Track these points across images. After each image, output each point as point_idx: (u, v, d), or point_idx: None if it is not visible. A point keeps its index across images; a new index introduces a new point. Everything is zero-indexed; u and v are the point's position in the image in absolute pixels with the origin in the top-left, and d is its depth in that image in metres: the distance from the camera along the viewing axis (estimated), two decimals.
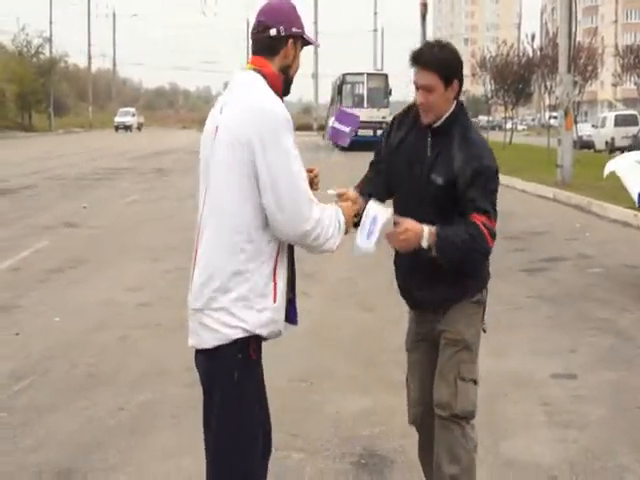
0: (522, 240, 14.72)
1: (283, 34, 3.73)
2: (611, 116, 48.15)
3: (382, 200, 4.35)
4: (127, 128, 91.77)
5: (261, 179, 3.56)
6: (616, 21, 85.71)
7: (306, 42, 3.85)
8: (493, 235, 4.27)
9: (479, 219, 4.20)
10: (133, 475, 5.37)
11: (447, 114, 4.30)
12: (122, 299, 10.08)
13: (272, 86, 3.70)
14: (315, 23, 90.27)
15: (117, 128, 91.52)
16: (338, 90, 51.71)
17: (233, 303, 3.65)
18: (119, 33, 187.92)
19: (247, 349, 3.70)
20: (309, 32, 3.88)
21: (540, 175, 25.57)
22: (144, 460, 5.57)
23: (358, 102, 48.80)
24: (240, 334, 3.66)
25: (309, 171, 3.88)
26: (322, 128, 78.35)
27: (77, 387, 6.98)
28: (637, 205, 11.70)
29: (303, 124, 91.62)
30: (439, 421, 4.43)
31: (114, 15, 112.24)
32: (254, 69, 3.73)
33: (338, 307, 9.82)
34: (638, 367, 7.60)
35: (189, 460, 5.30)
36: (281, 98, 3.72)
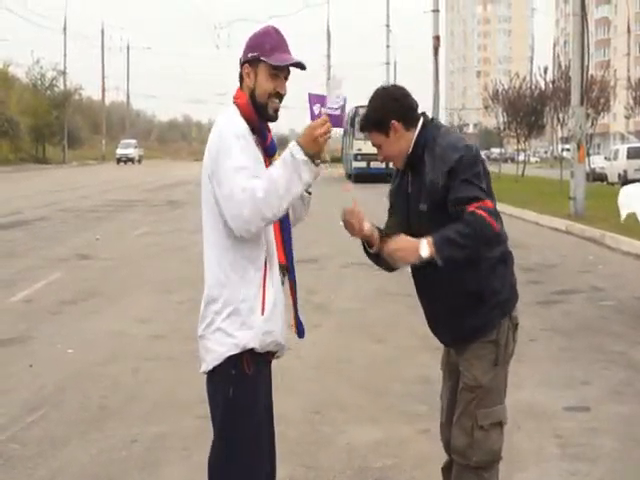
0: (536, 272, 14.70)
1: (241, 62, 3.88)
2: (624, 148, 48.09)
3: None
4: (129, 160, 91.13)
5: (215, 191, 3.72)
6: (628, 54, 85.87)
7: (274, 66, 3.82)
8: (493, 214, 4.08)
9: (471, 207, 4.04)
10: None
11: (410, 149, 4.32)
12: (134, 331, 10.10)
13: (244, 114, 3.82)
14: (328, 57, 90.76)
15: (119, 160, 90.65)
16: (351, 122, 51.82)
17: (225, 322, 3.78)
18: (133, 66, 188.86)
19: (241, 365, 3.77)
20: (297, 56, 3.89)
21: (553, 207, 25.56)
22: None
23: None
24: (232, 350, 3.76)
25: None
26: (335, 160, 78.55)
27: (90, 419, 6.98)
28: None
29: None
30: (456, 466, 4.36)
31: (128, 48, 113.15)
32: (233, 102, 3.89)
33: (348, 338, 9.81)
34: None
35: None
36: (257, 125, 3.83)
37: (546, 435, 6.63)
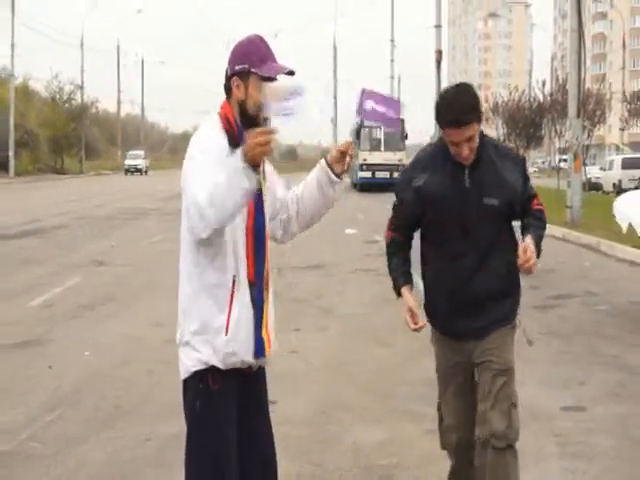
0: (534, 277, 14.56)
1: (229, 74, 3.75)
2: (618, 159, 48.04)
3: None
4: (137, 171, 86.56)
5: None
6: (623, 68, 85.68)
7: (264, 77, 3.70)
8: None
9: (537, 203, 4.56)
10: None
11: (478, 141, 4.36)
12: (148, 334, 10.11)
13: (225, 126, 3.71)
14: (334, 71, 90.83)
15: (127, 171, 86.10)
16: (356, 134, 51.88)
17: (192, 337, 3.74)
18: (147, 80, 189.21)
19: (206, 380, 3.71)
20: (288, 63, 3.76)
21: (550, 215, 25.16)
22: None
23: (376, 146, 48.95)
24: (197, 366, 3.71)
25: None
26: None
27: (105, 419, 6.99)
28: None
29: None
30: (494, 451, 4.41)
31: (142, 63, 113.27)
32: (218, 112, 3.79)
33: (354, 342, 9.81)
34: None
35: None
36: (239, 135, 3.67)
37: (545, 434, 6.62)
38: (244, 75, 3.69)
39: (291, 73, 3.75)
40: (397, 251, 4.61)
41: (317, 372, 8.47)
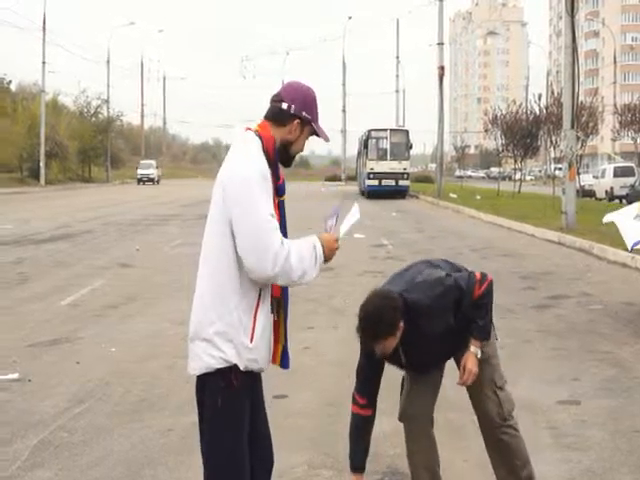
0: (531, 279, 14.66)
1: (292, 112, 3.75)
2: (610, 168, 47.95)
3: None
4: (150, 180, 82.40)
5: (233, 226, 3.61)
6: (615, 82, 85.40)
7: (314, 132, 3.85)
8: (484, 275, 4.64)
9: (477, 290, 4.56)
10: None
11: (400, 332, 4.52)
12: (170, 332, 10.12)
13: (265, 149, 3.71)
14: (343, 85, 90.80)
15: (140, 181, 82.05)
16: (364, 144, 51.93)
17: (215, 336, 3.68)
18: (169, 94, 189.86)
19: (229, 378, 3.69)
20: (323, 123, 3.89)
21: (547, 221, 25.47)
22: (191, 477, 5.57)
23: (382, 155, 48.95)
24: (221, 364, 3.69)
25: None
26: (350, 179, 78.53)
27: (130, 410, 7.01)
28: (630, 250, 11.83)
29: (332, 176, 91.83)
30: (495, 431, 4.77)
31: (164, 78, 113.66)
32: (255, 131, 3.76)
33: None
34: (637, 395, 7.53)
35: None
36: (274, 163, 3.71)
37: (541, 427, 6.61)
38: (304, 122, 3.78)
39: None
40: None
41: (328, 367, 8.47)
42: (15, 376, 8.02)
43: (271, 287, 3.77)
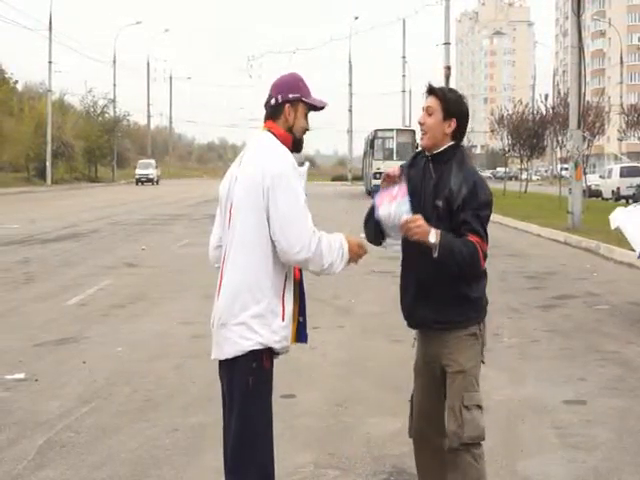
0: (537, 279, 14.65)
1: (280, 101, 4.00)
2: (617, 168, 47.91)
3: None
4: (149, 181, 78.43)
5: (270, 214, 3.82)
6: (621, 82, 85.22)
7: (310, 106, 4.06)
8: (485, 257, 4.29)
9: (475, 239, 4.22)
10: None
11: (444, 146, 4.39)
12: (176, 332, 10.14)
13: (282, 143, 3.97)
14: (350, 85, 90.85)
15: (138, 181, 78.05)
16: (370, 144, 51.96)
17: (252, 319, 3.87)
18: (175, 94, 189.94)
19: (261, 359, 3.88)
20: (320, 94, 4.13)
21: (553, 221, 25.46)
22: (197, 476, 5.59)
23: (388, 155, 48.95)
24: (255, 346, 3.86)
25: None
26: (356, 179, 78.45)
27: (137, 410, 7.02)
28: (637, 257, 11.80)
29: (338, 175, 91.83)
30: (450, 449, 4.36)
31: (170, 78, 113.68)
32: (268, 130, 4.01)
33: (369, 339, 9.81)
34: None
35: None
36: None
37: (547, 426, 6.60)
38: (295, 103, 4.01)
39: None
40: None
41: (334, 367, 8.47)
42: (21, 376, 8.03)
43: (293, 271, 4.00)
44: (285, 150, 3.94)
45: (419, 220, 4.15)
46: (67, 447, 6.11)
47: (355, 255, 4.02)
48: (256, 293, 3.87)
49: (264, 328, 3.86)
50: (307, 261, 3.85)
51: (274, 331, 3.88)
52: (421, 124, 4.43)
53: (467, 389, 4.35)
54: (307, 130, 4.07)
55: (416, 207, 4.29)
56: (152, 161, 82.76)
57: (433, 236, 4.14)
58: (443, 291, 4.34)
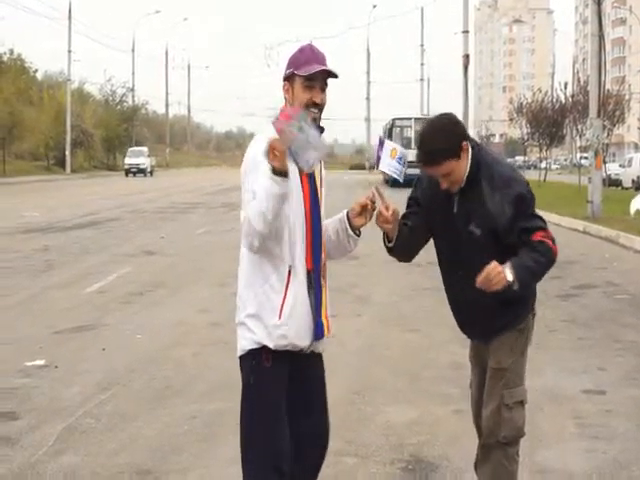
0: (556, 269, 14.43)
1: (283, 81, 3.84)
2: (637, 157, 47.64)
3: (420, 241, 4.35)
4: (140, 172, 68.61)
5: None
6: None
7: (304, 77, 3.75)
8: (554, 241, 4.12)
9: (540, 235, 4.06)
10: (205, 477, 5.40)
11: (468, 168, 4.11)
12: (195, 319, 10.16)
13: None
14: (368, 73, 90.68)
15: (128, 172, 68.52)
16: (388, 133, 51.82)
17: (247, 318, 3.80)
18: (193, 83, 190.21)
19: (260, 358, 3.78)
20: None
21: (572, 210, 25.34)
22: (214, 463, 5.60)
23: (406, 144, 48.79)
24: (251, 345, 3.79)
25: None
26: (374, 168, 78.41)
27: (155, 397, 7.04)
28: None
29: (356, 164, 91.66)
30: (484, 445, 4.34)
31: (189, 67, 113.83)
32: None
33: (386, 328, 9.80)
34: None
35: None
36: None
37: (566, 416, 6.58)
38: (290, 79, 3.78)
39: (333, 75, 3.79)
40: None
41: (352, 355, 8.47)
42: (42, 362, 8.07)
43: (305, 261, 3.77)
44: (262, 139, 3.64)
45: (498, 266, 3.91)
46: (86, 433, 6.13)
47: (272, 154, 3.49)
48: (250, 292, 3.77)
49: (258, 327, 3.75)
50: (246, 236, 3.64)
51: (269, 331, 3.73)
52: (448, 189, 4.12)
53: (508, 385, 4.25)
54: (315, 103, 3.73)
55: (445, 234, 4.22)
56: (144, 149, 73.68)
57: (509, 274, 3.93)
58: (497, 302, 4.16)
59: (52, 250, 16.96)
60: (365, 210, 3.90)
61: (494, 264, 3.92)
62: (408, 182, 4.18)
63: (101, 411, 6.64)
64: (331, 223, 3.99)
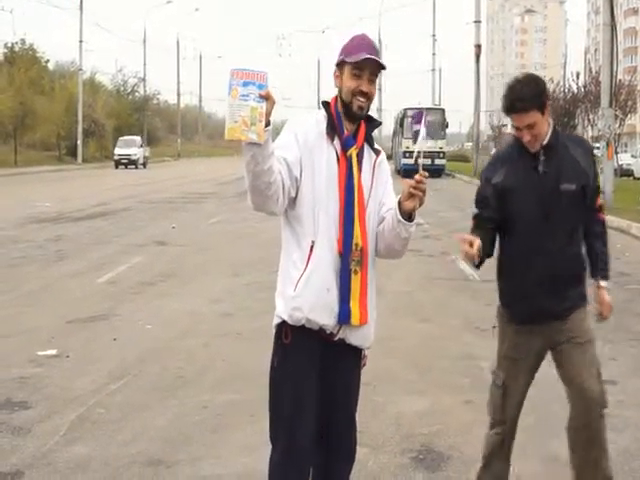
0: None
1: (334, 70, 3.83)
2: None
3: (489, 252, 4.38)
4: (132, 163, 63.39)
5: None
6: None
7: (353, 65, 3.72)
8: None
9: (601, 215, 4.50)
10: (216, 467, 5.40)
11: (550, 130, 4.28)
12: (206, 310, 10.16)
13: (331, 112, 3.77)
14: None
15: (118, 163, 63.21)
16: (400, 123, 51.73)
17: (276, 295, 3.79)
18: (205, 72, 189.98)
19: (280, 333, 3.74)
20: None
21: None
22: (225, 453, 5.60)
23: (418, 135, 48.63)
24: (275, 320, 3.76)
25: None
26: (387, 157, 78.15)
27: (166, 387, 7.04)
28: None
29: None
30: (591, 416, 4.42)
31: (200, 57, 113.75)
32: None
33: (399, 318, 9.78)
34: None
35: (267, 454, 5.30)
36: (336, 120, 3.75)
37: None
38: (341, 66, 3.77)
39: (381, 66, 3.74)
40: (480, 223, 4.41)
41: None
42: (53, 352, 8.09)
43: (336, 242, 3.68)
44: (301, 118, 3.84)
45: (604, 305, 4.55)
46: (98, 423, 6.14)
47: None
48: (280, 268, 3.78)
49: (279, 300, 3.74)
50: (250, 201, 3.57)
51: (285, 301, 3.69)
52: (530, 141, 4.22)
53: (596, 355, 4.51)
54: (362, 92, 3.70)
55: (528, 207, 4.28)
56: (137, 138, 68.53)
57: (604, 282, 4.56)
58: (562, 283, 4.39)
59: (64, 240, 17.00)
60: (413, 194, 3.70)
61: (602, 297, 4.57)
62: (416, 172, 4.03)
63: (112, 401, 6.65)
64: (390, 211, 3.83)
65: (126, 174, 51.96)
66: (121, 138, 66.66)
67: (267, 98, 3.39)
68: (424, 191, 3.67)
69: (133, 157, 63.78)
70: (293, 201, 3.67)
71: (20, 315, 9.85)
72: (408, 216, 3.71)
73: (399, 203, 3.71)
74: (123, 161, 63.23)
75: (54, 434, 5.90)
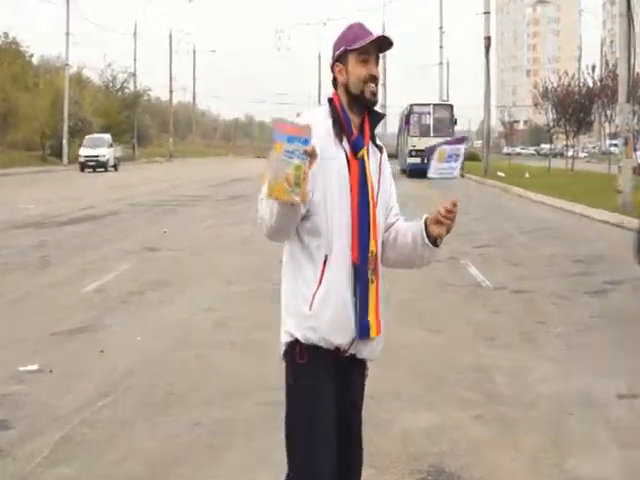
0: (585, 263, 14.49)
1: (331, 65, 3.78)
2: None
3: None
4: (101, 166, 58.54)
5: None
6: None
7: (358, 52, 3.69)
8: None
9: None
10: None
11: None
12: (199, 319, 10.11)
13: (335, 109, 3.72)
14: (383, 58, 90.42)
15: (84, 166, 58.24)
16: (406, 120, 51.72)
17: (284, 311, 3.72)
18: (198, 68, 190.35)
19: (293, 353, 3.68)
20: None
21: (602, 200, 25.23)
22: (219, 474, 5.54)
23: (424, 131, 48.69)
24: (285, 338, 3.70)
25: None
26: (390, 156, 78.18)
27: (156, 404, 6.97)
28: None
29: None
30: None
31: (194, 52, 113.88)
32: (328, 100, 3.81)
33: (406, 327, 9.71)
34: None
35: (263, 475, 5.24)
36: (343, 119, 3.69)
37: (598, 422, 6.48)
38: (343, 58, 3.72)
39: (388, 43, 3.73)
40: None
41: None
42: (35, 367, 8.02)
43: (350, 252, 3.65)
44: (314, 113, 3.78)
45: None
46: (83, 443, 6.07)
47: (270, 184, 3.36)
48: (286, 285, 3.71)
49: (290, 318, 3.66)
50: (269, 237, 3.55)
51: (298, 322, 3.62)
52: None
53: None
54: (373, 76, 3.68)
55: None
56: (106, 136, 62.62)
57: None
58: None
59: (48, 246, 16.95)
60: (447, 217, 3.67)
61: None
62: (423, 172, 4.04)
63: (99, 419, 6.58)
64: (413, 226, 3.83)
65: (84, 178, 51.81)
66: (87, 137, 61.56)
67: (311, 155, 3.33)
68: (454, 219, 3.66)
69: (101, 159, 58.97)
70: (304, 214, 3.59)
71: (0, 327, 9.79)
72: (433, 240, 3.71)
73: (425, 225, 3.72)
74: (90, 163, 58.56)
75: (36, 455, 5.83)
